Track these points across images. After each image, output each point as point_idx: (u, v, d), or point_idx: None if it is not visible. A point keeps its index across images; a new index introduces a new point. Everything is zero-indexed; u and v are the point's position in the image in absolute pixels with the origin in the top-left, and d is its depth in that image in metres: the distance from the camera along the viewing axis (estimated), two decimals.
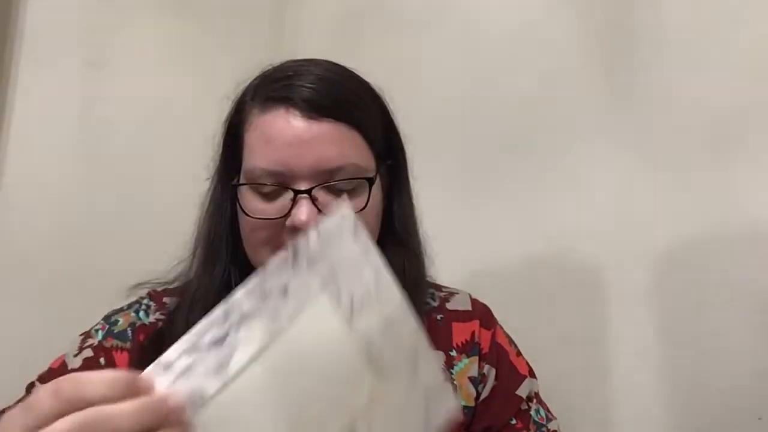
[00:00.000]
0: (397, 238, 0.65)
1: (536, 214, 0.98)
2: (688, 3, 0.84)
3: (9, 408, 0.59)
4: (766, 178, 0.75)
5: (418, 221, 0.69)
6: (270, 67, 0.64)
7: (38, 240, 1.06)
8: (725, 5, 0.80)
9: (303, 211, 0.56)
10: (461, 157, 1.10)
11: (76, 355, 0.62)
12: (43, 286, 1.05)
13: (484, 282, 1.03)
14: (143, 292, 0.69)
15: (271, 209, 0.58)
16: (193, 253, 0.67)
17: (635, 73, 0.88)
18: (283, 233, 0.58)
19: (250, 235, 0.61)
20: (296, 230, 0.56)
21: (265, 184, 0.57)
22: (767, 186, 0.75)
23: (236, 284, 0.62)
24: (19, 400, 0.60)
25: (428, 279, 0.72)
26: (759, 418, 0.73)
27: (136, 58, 1.22)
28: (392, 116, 0.66)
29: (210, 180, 0.67)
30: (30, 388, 0.61)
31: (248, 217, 0.59)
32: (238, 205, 0.60)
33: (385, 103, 0.65)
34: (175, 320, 0.62)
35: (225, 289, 0.62)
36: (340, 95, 0.59)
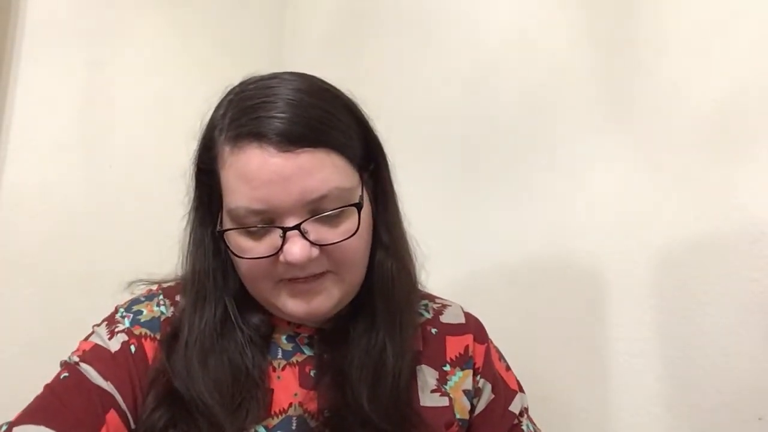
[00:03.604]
0: (385, 246, 0.64)
1: (536, 214, 0.98)
2: (687, 3, 0.84)
3: (48, 385, 0.58)
4: (766, 178, 0.75)
5: (405, 226, 0.68)
6: (234, 91, 0.60)
7: (38, 240, 1.06)
8: (725, 4, 0.80)
9: (295, 247, 0.55)
10: (461, 157, 1.10)
11: (110, 339, 0.61)
12: (44, 285, 1.05)
13: (483, 282, 1.03)
14: (148, 287, 0.68)
15: (261, 247, 0.57)
16: (184, 282, 0.65)
17: (635, 72, 0.88)
18: (278, 267, 0.58)
19: (247, 273, 0.60)
20: (291, 265, 0.56)
21: (253, 226, 0.56)
22: (767, 186, 0.75)
23: (235, 315, 0.62)
24: (58, 382, 0.58)
25: (420, 288, 0.72)
26: (759, 418, 0.73)
27: (136, 58, 1.22)
28: (368, 123, 0.63)
29: (187, 217, 0.65)
30: (68, 366, 0.59)
31: (239, 258, 0.58)
32: (226, 246, 0.59)
33: (359, 111, 0.63)
34: (172, 362, 0.60)
35: (222, 323, 0.62)
36: (313, 119, 0.56)
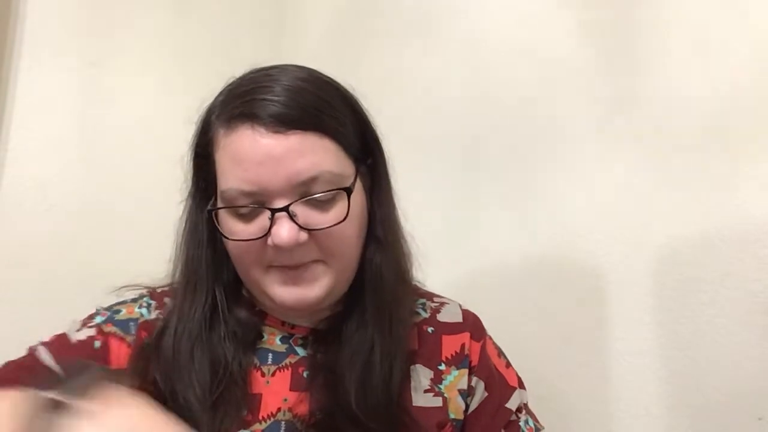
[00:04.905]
0: (378, 241, 0.64)
1: (536, 213, 0.98)
2: (688, 3, 0.84)
3: (6, 364, 0.58)
4: (766, 178, 0.75)
5: (401, 221, 0.68)
6: (234, 80, 0.61)
7: (38, 240, 1.06)
8: (726, 4, 0.80)
9: (283, 229, 0.55)
10: (461, 156, 1.10)
11: (78, 331, 0.62)
12: (43, 285, 1.05)
13: (483, 281, 1.03)
14: (139, 291, 0.68)
15: (250, 229, 0.57)
16: (174, 271, 0.66)
17: (635, 72, 0.88)
18: (267, 251, 0.58)
19: (237, 257, 0.60)
20: (279, 248, 0.56)
21: (243, 206, 0.56)
22: (767, 186, 0.75)
23: (222, 304, 0.62)
24: (16, 360, 0.59)
25: (418, 286, 0.71)
26: (759, 418, 0.73)
27: (136, 58, 1.22)
28: (366, 115, 0.64)
29: (184, 202, 0.65)
30: (32, 350, 0.60)
31: (229, 240, 0.58)
32: (217, 227, 0.59)
33: (357, 103, 0.63)
34: (162, 346, 0.60)
35: (210, 313, 0.62)
36: (306, 104, 0.56)
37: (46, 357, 0.58)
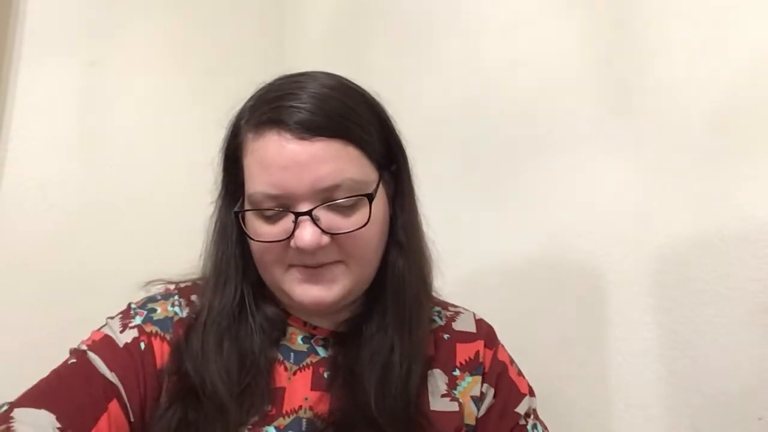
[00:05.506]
0: (400, 246, 0.65)
1: (536, 213, 0.98)
2: (688, 4, 0.84)
3: (55, 369, 0.58)
4: (765, 178, 0.75)
5: (423, 228, 0.69)
6: (264, 86, 0.63)
7: (38, 240, 1.06)
8: (725, 7, 0.80)
9: (306, 233, 0.57)
10: (462, 157, 1.10)
11: (122, 332, 0.62)
12: (43, 286, 1.05)
13: (483, 282, 1.03)
14: (165, 287, 0.69)
15: (274, 231, 0.59)
16: (204, 268, 0.67)
17: (635, 73, 0.88)
18: (289, 252, 0.59)
19: (260, 257, 0.62)
20: (301, 250, 0.57)
21: (268, 209, 0.58)
22: (767, 186, 0.75)
23: (250, 302, 0.64)
24: (68, 365, 0.59)
25: (434, 295, 0.72)
26: (759, 418, 0.73)
27: (136, 58, 1.22)
28: (391, 123, 0.65)
29: (214, 203, 0.67)
30: (76, 353, 0.60)
31: (253, 241, 0.60)
32: (243, 228, 0.61)
33: (383, 111, 0.65)
34: (190, 342, 0.62)
35: (239, 308, 0.64)
36: (332, 111, 0.58)
37: (101, 364, 0.59)
